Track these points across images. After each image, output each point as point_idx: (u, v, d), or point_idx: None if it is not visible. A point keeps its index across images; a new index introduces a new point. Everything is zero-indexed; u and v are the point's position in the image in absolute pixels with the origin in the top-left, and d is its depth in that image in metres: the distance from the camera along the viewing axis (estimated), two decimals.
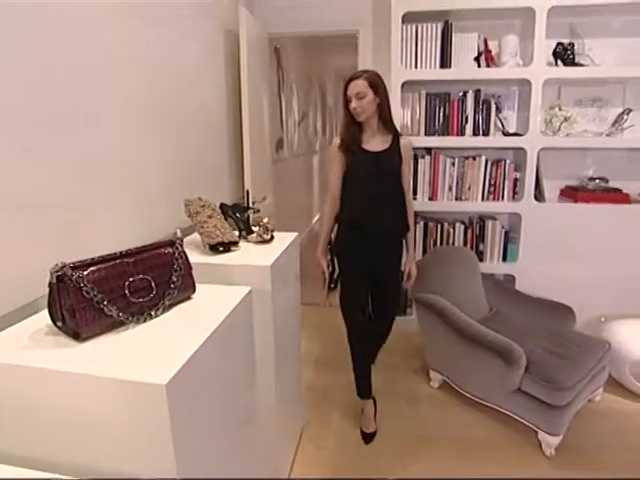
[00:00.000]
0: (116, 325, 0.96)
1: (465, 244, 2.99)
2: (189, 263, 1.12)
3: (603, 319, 2.80)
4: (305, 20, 3.28)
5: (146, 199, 1.74)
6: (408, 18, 2.81)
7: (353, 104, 1.93)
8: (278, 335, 1.55)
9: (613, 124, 2.90)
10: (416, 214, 3.06)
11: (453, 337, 2.22)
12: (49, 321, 0.95)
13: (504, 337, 2.06)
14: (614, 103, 2.96)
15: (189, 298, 1.13)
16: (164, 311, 1.04)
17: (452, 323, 2.19)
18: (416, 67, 2.88)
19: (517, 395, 2.03)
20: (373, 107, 1.94)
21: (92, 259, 0.94)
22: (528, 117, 2.83)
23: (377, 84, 1.92)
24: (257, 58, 2.89)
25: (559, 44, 2.81)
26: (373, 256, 2.06)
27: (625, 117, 2.86)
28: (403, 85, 2.85)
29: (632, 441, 2.10)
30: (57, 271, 0.88)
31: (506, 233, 2.99)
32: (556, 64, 2.83)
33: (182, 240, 1.13)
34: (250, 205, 2.59)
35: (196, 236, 1.73)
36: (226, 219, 1.75)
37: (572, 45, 2.79)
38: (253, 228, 1.74)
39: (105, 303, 0.91)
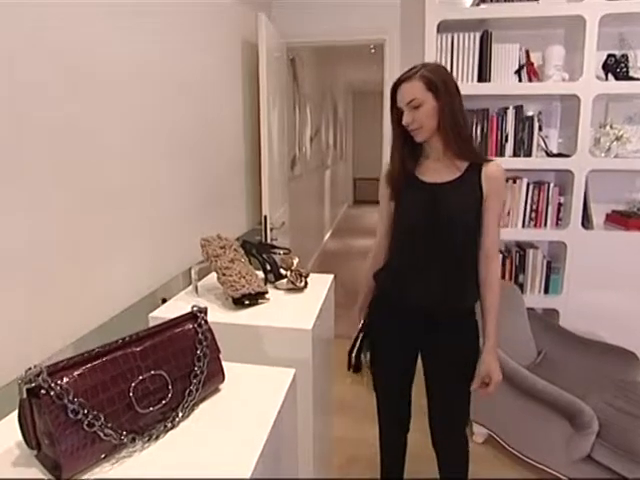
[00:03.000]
0: (117, 449, 0.67)
1: (504, 275, 2.70)
2: (216, 344, 0.83)
3: None
4: (326, 28, 3.04)
5: (154, 231, 1.47)
6: (443, 27, 2.55)
7: (405, 118, 1.28)
8: (315, 401, 1.26)
9: None
10: None
11: (504, 388, 1.92)
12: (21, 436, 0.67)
13: (569, 394, 1.77)
14: None
15: (216, 391, 0.84)
16: (183, 418, 0.75)
17: (504, 373, 1.89)
18: None
19: (586, 464, 1.73)
20: (436, 119, 1.28)
21: (81, 355, 0.65)
22: (572, 136, 2.56)
23: (437, 83, 1.25)
24: (276, 69, 2.64)
25: (610, 56, 2.54)
26: (418, 346, 1.44)
27: None
28: None
29: None
30: (29, 381, 0.59)
31: (548, 263, 2.71)
32: (606, 78, 2.56)
33: (207, 312, 0.84)
34: (268, 234, 2.32)
35: (213, 277, 1.46)
36: (249, 259, 1.47)
37: (625, 57, 2.52)
38: (283, 272, 1.46)
39: (100, 424, 0.63)
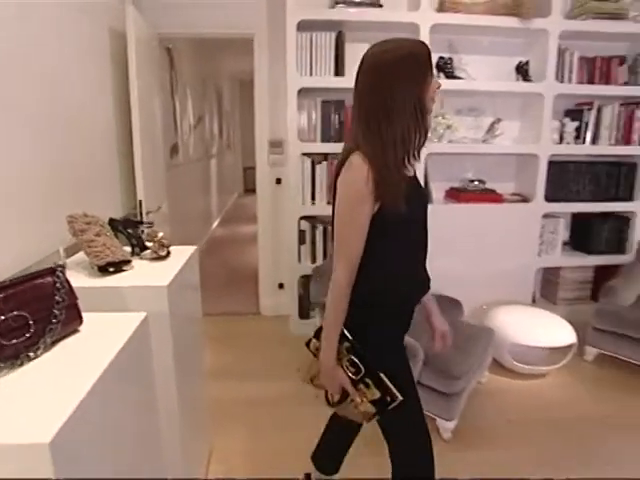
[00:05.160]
0: None
1: None
2: (73, 292, 1.01)
3: (485, 307, 3.08)
4: (198, 21, 3.16)
5: (21, 218, 1.55)
6: (303, 26, 2.84)
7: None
8: (179, 357, 1.47)
9: (487, 132, 3.21)
10: (316, 217, 3.15)
11: None
12: None
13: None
14: (487, 113, 3.28)
15: (76, 331, 1.02)
16: (45, 350, 0.93)
17: None
18: (311, 74, 2.92)
19: (420, 388, 2.15)
20: None
21: None
22: None
23: None
24: (147, 59, 2.73)
25: (441, 58, 3.04)
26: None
27: (496, 126, 3.18)
28: (299, 92, 2.88)
29: (515, 417, 2.35)
30: None
31: None
32: (439, 76, 3.06)
33: (64, 267, 1.02)
34: (143, 218, 2.44)
35: (83, 255, 1.58)
36: (116, 235, 1.62)
37: (451, 59, 3.03)
38: (147, 244, 1.63)
39: None
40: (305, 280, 3.10)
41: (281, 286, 3.50)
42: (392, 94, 1.13)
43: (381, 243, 1.19)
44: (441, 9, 2.98)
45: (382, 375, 1.21)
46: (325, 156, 3.02)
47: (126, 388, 1.01)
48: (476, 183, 3.24)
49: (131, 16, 2.43)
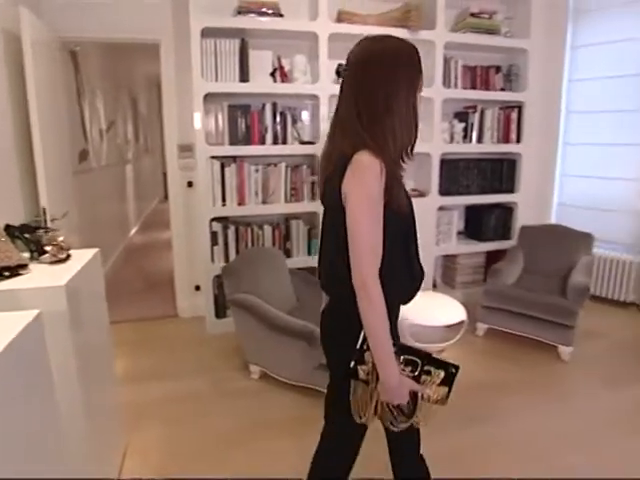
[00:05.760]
0: None
1: (274, 243, 3.27)
2: None
3: None
4: (103, 25, 3.12)
5: None
6: (207, 33, 2.93)
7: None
8: (82, 357, 1.53)
9: None
10: (227, 218, 3.25)
11: (264, 330, 2.44)
12: None
13: (304, 322, 2.35)
14: None
15: None
16: None
17: (262, 317, 2.41)
18: (217, 80, 3.02)
19: (320, 370, 2.33)
20: None
21: None
22: (319, 127, 3.23)
23: None
24: (46, 63, 2.69)
25: (340, 64, 3.23)
26: None
27: None
28: (206, 97, 2.97)
29: None
30: None
31: (309, 230, 3.35)
32: (337, 82, 3.26)
33: None
34: (45, 224, 2.42)
35: None
36: (14, 241, 1.64)
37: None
38: (46, 248, 1.67)
39: None
40: (220, 280, 3.19)
41: (198, 288, 3.57)
42: (391, 86, 1.14)
43: (386, 239, 1.14)
44: (339, 19, 3.21)
45: (433, 355, 1.21)
46: (234, 158, 3.13)
47: (16, 382, 1.07)
48: None
49: (26, 18, 2.39)
